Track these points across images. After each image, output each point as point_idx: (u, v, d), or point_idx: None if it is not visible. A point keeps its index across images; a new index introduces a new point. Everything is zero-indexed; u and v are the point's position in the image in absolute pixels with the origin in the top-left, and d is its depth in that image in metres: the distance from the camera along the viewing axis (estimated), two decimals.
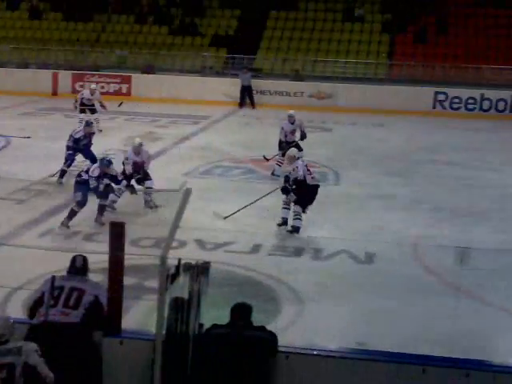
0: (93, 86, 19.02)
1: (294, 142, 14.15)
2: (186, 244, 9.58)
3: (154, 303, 5.05)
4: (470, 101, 23.21)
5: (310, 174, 10.68)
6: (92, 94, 17.93)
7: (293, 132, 14.34)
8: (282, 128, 14.29)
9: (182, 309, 5.00)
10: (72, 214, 10.31)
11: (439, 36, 26.23)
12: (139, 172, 11.41)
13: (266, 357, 5.00)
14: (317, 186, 10.65)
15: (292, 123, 14.32)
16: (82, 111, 17.67)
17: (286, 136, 14.17)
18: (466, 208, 12.15)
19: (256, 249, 9.80)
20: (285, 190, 10.54)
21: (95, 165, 10.77)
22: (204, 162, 14.47)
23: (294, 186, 10.42)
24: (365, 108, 22.45)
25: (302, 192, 10.42)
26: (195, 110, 21.99)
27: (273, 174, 13.94)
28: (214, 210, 11.04)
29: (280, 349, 5.12)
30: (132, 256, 7.42)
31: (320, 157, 15.29)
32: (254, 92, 23.85)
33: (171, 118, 20.93)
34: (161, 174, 12.46)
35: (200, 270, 5.47)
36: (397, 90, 23.38)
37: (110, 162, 10.76)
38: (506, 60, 24.39)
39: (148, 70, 25.48)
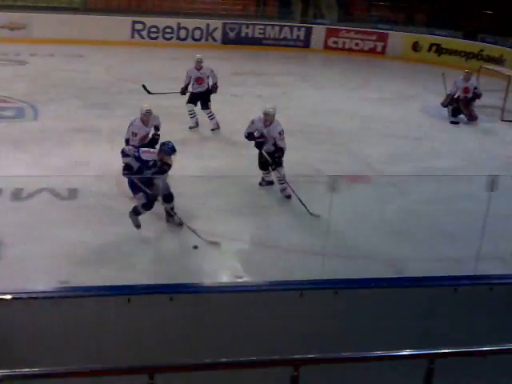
0: None
1: (201, 93, 12.43)
2: None
3: None
4: (168, 30, 23.49)
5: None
6: None
7: (199, 80, 12.45)
8: (187, 73, 12.51)
9: None
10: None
11: None
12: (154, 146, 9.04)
13: None
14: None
15: (198, 69, 12.46)
16: None
17: (192, 84, 12.45)
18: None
19: None
20: (264, 165, 9.58)
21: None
22: None
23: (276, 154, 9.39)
24: (62, 39, 21.59)
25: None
26: None
27: (190, 127, 12.65)
28: None
29: None
30: None
31: (15, 92, 14.51)
32: None
33: None
34: None
35: None
36: (94, 19, 22.68)
37: (173, 150, 8.09)
38: None
39: None
